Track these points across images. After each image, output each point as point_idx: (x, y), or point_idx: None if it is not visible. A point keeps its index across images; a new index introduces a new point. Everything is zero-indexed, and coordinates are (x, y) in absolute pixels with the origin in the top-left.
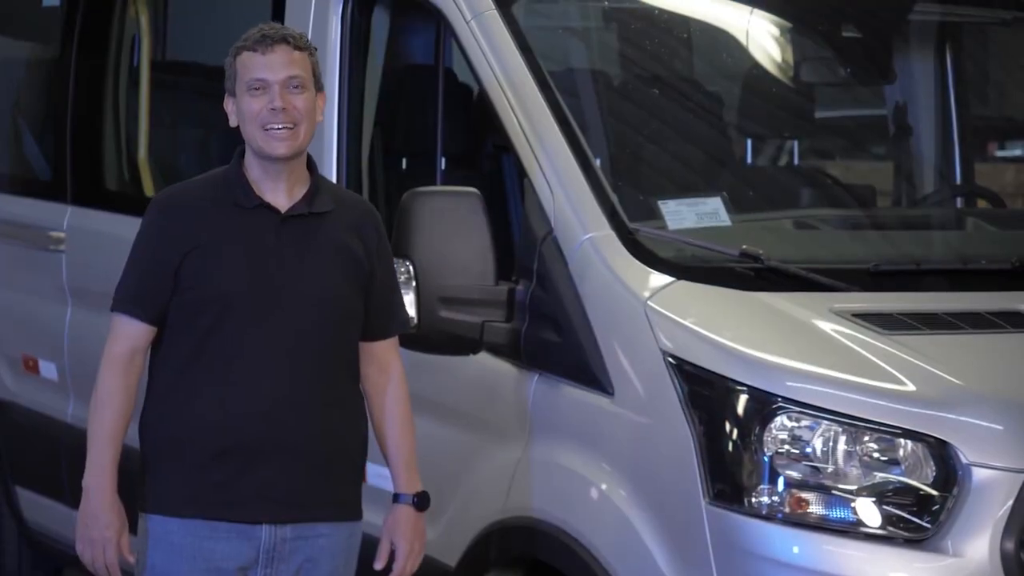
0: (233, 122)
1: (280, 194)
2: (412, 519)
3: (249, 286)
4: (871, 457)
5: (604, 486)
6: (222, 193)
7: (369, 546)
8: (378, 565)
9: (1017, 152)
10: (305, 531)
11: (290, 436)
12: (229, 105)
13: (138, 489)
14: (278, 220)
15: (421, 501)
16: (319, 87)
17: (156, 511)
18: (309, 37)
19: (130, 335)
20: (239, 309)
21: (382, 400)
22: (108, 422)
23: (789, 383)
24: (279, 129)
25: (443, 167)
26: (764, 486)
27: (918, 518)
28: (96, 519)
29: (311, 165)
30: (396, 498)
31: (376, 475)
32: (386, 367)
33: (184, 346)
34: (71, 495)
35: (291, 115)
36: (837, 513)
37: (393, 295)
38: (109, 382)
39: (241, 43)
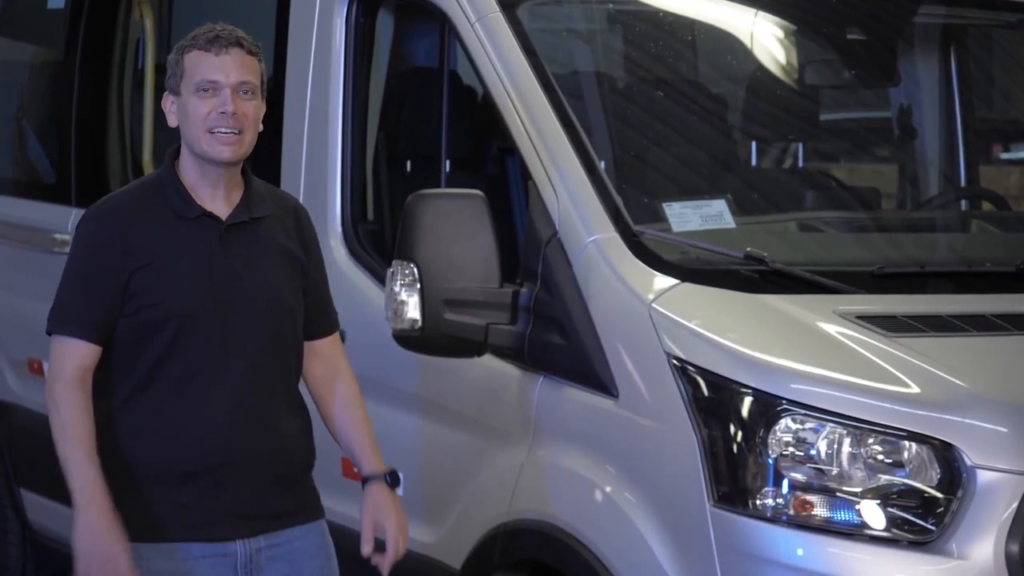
0: (172, 122)
1: (219, 201)
2: (390, 496)
3: (203, 301)
4: (875, 459)
5: (608, 488)
6: (159, 203)
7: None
8: (366, 549)
9: (1021, 155)
10: (278, 538)
11: (256, 449)
12: (168, 104)
13: None
14: (222, 229)
15: (393, 479)
16: (263, 95)
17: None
18: (314, 40)
19: (76, 355)
20: (195, 325)
21: (336, 397)
22: (84, 441)
23: (794, 385)
24: (225, 133)
25: (447, 169)
26: (768, 488)
27: (923, 520)
28: (100, 537)
29: (244, 168)
30: (367, 480)
31: None
32: (333, 363)
33: (140, 366)
34: None
35: (239, 121)
36: (842, 515)
37: (327, 291)
38: (69, 402)
39: (190, 41)
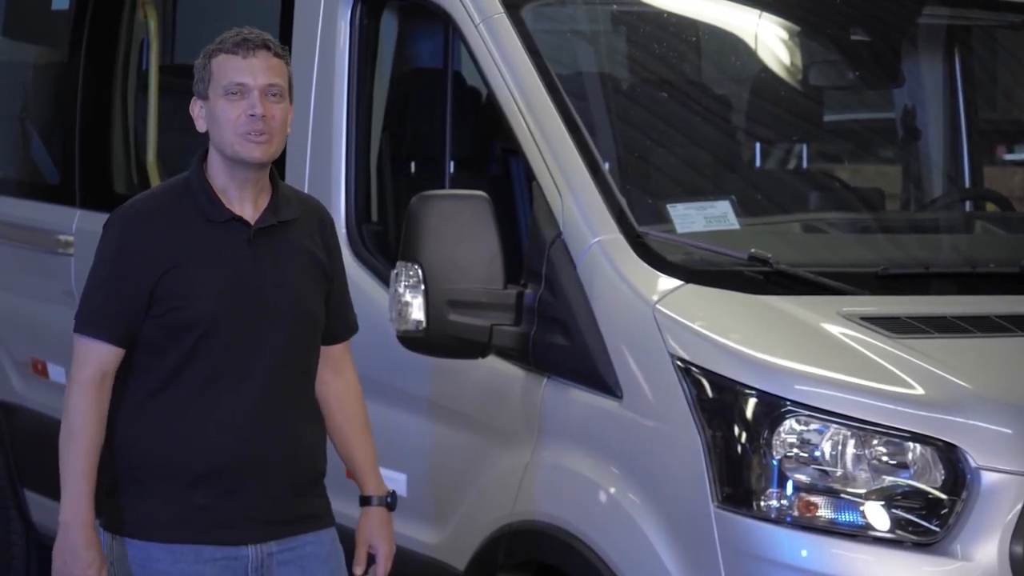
0: (201, 127)
1: (247, 204)
2: (387, 521)
3: (231, 305)
4: (880, 461)
5: (613, 490)
6: (188, 205)
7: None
8: (359, 571)
9: None
10: (289, 543)
11: (272, 453)
12: (196, 108)
13: (111, 511)
14: (250, 233)
15: (393, 501)
16: (291, 98)
17: (136, 536)
18: (318, 41)
19: (99, 358)
20: (222, 329)
21: (342, 405)
22: (82, 454)
23: (798, 387)
24: (255, 136)
25: (451, 170)
26: (773, 490)
27: (927, 522)
28: (76, 556)
29: (272, 172)
30: (367, 500)
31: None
32: (341, 369)
33: (163, 367)
34: None
35: (269, 123)
36: (846, 517)
37: (347, 297)
38: (81, 410)
39: (217, 45)
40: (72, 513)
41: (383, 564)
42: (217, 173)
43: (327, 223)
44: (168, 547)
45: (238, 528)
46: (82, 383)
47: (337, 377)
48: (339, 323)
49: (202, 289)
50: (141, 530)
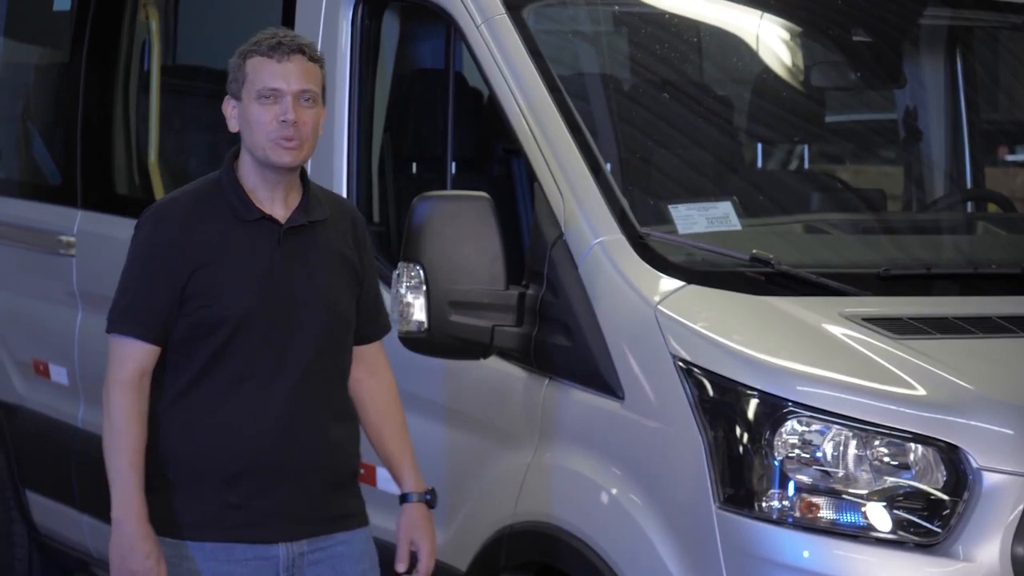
0: (233, 127)
1: (278, 204)
2: (428, 517)
3: (260, 304)
4: (881, 461)
5: (614, 490)
6: (219, 204)
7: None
8: (401, 568)
9: None
10: (321, 542)
11: (303, 454)
12: (229, 108)
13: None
14: (280, 232)
15: (433, 498)
16: (324, 101)
17: (168, 534)
18: (319, 41)
19: (136, 357)
20: (251, 328)
21: (376, 404)
22: (128, 451)
23: (800, 387)
24: (287, 141)
25: (453, 171)
26: (774, 490)
27: (929, 523)
28: (134, 551)
29: (302, 172)
30: (406, 498)
31: (384, 479)
32: (375, 369)
33: (192, 366)
34: (81, 499)
35: (300, 130)
36: (847, 518)
37: (379, 297)
38: (123, 408)
39: (252, 47)
40: (123, 510)
41: (426, 561)
42: (248, 173)
43: (358, 224)
44: (200, 545)
45: (270, 527)
46: (121, 382)
47: (371, 376)
48: (371, 324)
49: (232, 288)
50: (173, 528)
